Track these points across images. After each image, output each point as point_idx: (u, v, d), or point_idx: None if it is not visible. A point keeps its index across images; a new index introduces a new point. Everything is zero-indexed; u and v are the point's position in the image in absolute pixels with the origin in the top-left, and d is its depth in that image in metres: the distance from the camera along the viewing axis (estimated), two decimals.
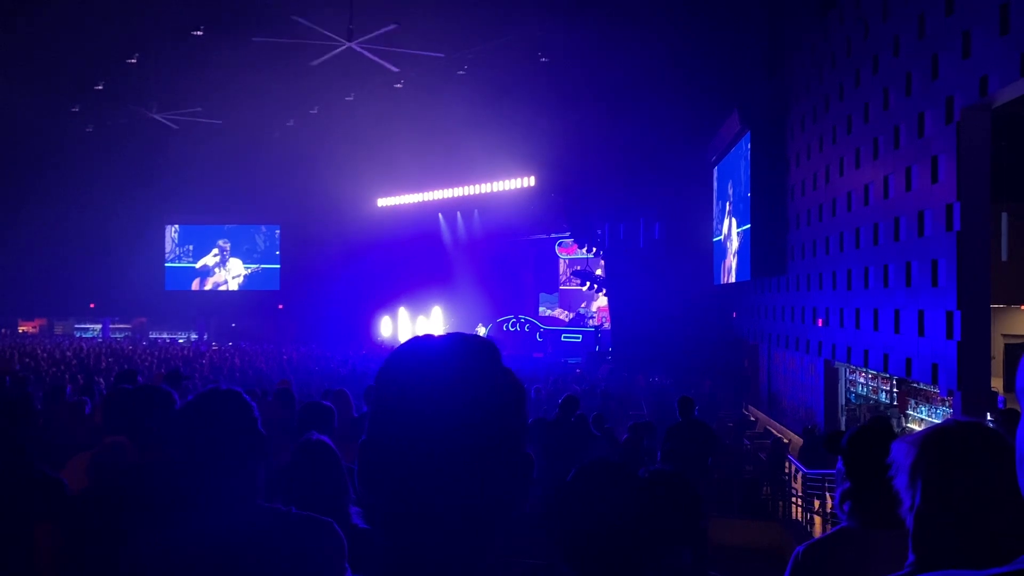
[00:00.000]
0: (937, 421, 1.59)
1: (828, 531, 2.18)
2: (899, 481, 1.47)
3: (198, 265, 38.69)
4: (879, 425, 2.23)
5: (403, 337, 34.60)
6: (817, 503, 9.86)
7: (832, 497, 9.61)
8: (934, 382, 9.84)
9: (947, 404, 10.23)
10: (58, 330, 38.13)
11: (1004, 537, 1.37)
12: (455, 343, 1.02)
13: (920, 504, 1.42)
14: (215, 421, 1.86)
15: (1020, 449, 0.78)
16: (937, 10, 9.76)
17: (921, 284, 10.12)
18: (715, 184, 21.60)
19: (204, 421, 1.86)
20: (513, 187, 30.25)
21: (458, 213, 33.79)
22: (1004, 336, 13.52)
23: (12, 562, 2.91)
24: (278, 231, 38.43)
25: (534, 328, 32.89)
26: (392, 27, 17.58)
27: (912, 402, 12.31)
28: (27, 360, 20.59)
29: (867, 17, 12.27)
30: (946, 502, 1.40)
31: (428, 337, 1.04)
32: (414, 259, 33.86)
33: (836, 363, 14.19)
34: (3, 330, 36.54)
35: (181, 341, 35.40)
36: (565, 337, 32.18)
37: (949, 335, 9.32)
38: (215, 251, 38.66)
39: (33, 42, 22.53)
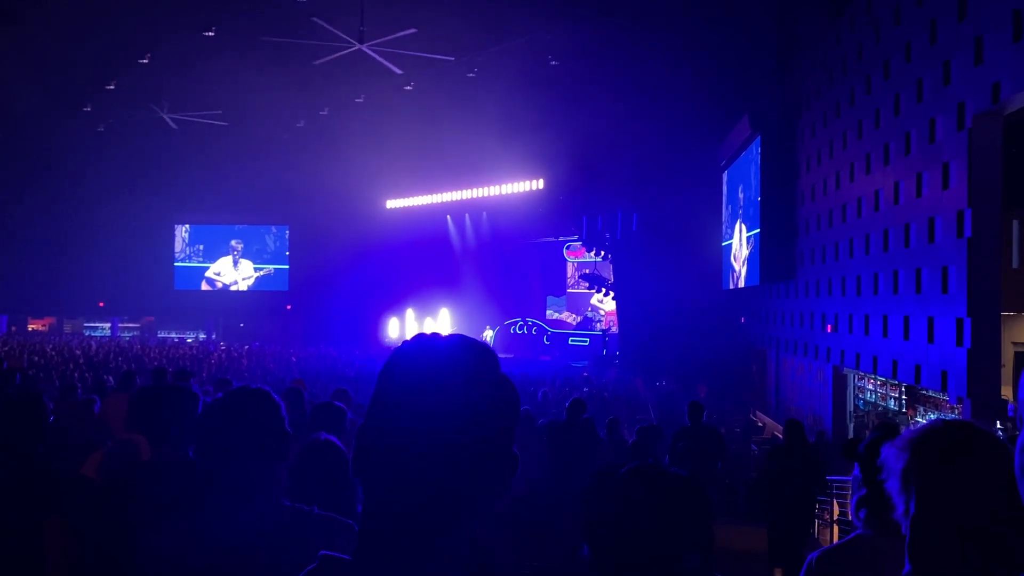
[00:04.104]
0: None
1: (843, 538, 2.16)
2: (891, 485, 1.44)
3: (212, 271, 38.79)
4: (898, 432, 2.20)
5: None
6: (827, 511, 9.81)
7: (838, 504, 9.58)
8: (943, 389, 9.80)
9: (956, 411, 10.18)
10: (67, 328, 38.30)
11: (1003, 541, 1.34)
12: (456, 344, 1.09)
13: (914, 510, 1.39)
14: (244, 418, 1.90)
15: (1019, 459, 0.78)
16: (950, 16, 9.73)
17: (931, 291, 10.09)
18: (725, 189, 21.57)
19: (233, 418, 1.90)
20: (522, 190, 30.27)
21: (466, 215, 33.82)
22: (1014, 344, 13.46)
23: (23, 557, 2.92)
24: (287, 232, 38.55)
25: (541, 331, 32.88)
26: (411, 31, 17.60)
27: (921, 409, 12.26)
28: (36, 358, 20.70)
29: (879, 22, 12.24)
30: (940, 506, 1.37)
31: (432, 335, 1.10)
32: (422, 261, 33.91)
33: (845, 369, 14.14)
34: (13, 328, 36.74)
35: (189, 341, 35.52)
36: (572, 340, 32.16)
37: (959, 342, 9.28)
38: (230, 256, 38.74)
39: (45, 42, 22.67)
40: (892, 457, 1.44)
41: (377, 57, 19.15)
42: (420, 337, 1.10)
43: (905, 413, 12.62)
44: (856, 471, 2.15)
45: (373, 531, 1.03)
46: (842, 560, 2.08)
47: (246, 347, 29.39)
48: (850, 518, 2.32)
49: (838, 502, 9.59)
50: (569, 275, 33.59)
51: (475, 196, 32.38)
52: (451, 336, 1.10)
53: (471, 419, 1.03)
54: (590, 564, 1.52)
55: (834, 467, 8.84)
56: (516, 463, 1.08)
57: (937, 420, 1.48)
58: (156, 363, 20.29)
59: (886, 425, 2.40)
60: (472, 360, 1.07)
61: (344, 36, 18.33)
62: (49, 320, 38.58)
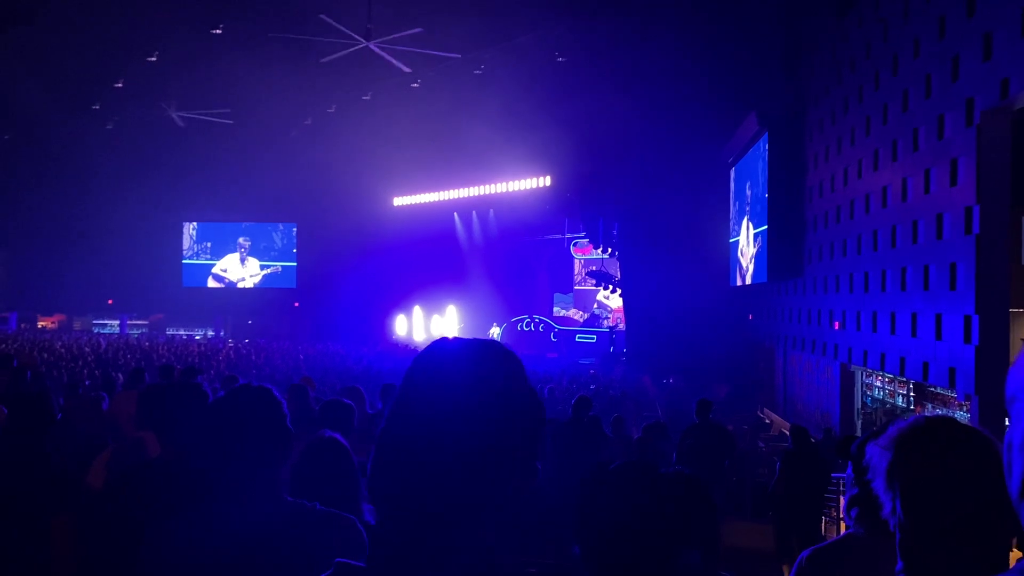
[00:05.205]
0: None
1: (834, 537, 2.17)
2: (877, 485, 1.45)
3: (219, 267, 38.90)
4: None
5: (418, 336, 34.81)
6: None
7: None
8: (951, 386, 9.77)
9: (964, 408, 10.15)
10: (77, 326, 38.46)
11: (989, 539, 1.34)
12: (484, 350, 1.06)
13: (901, 509, 1.39)
14: (245, 416, 1.92)
15: (1007, 456, 0.78)
16: (958, 12, 9.69)
17: (939, 287, 10.05)
18: (732, 185, 21.52)
19: (234, 415, 1.92)
20: (529, 187, 30.25)
21: (473, 213, 33.82)
22: (1023, 340, 13.39)
23: (29, 554, 2.95)
24: (295, 229, 38.64)
25: (548, 328, 32.87)
26: (417, 30, 17.63)
27: (929, 406, 12.21)
28: (45, 355, 20.80)
29: (887, 19, 12.19)
30: (926, 504, 1.37)
31: (457, 340, 1.08)
32: (429, 258, 33.93)
33: (852, 366, 14.10)
34: (23, 325, 36.94)
35: (198, 337, 35.64)
36: (579, 337, 32.14)
37: (967, 339, 9.24)
38: (237, 253, 38.84)
39: (54, 41, 22.75)
40: (876, 456, 1.44)
41: (384, 55, 19.14)
42: (443, 341, 1.08)
43: (913, 410, 12.58)
44: (849, 469, 2.15)
45: (388, 538, 1.02)
46: (833, 559, 2.08)
47: (249, 343, 29.46)
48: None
49: (843, 500, 9.58)
50: (576, 272, 33.57)
51: (482, 193, 32.37)
52: (478, 341, 1.07)
53: (496, 429, 1.01)
54: (583, 563, 1.52)
55: (841, 464, 8.83)
56: (536, 476, 1.06)
57: (919, 417, 1.47)
58: (165, 360, 20.35)
59: (890, 424, 2.39)
60: (501, 369, 1.04)
61: (352, 35, 18.32)
62: (59, 317, 38.76)
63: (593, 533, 1.52)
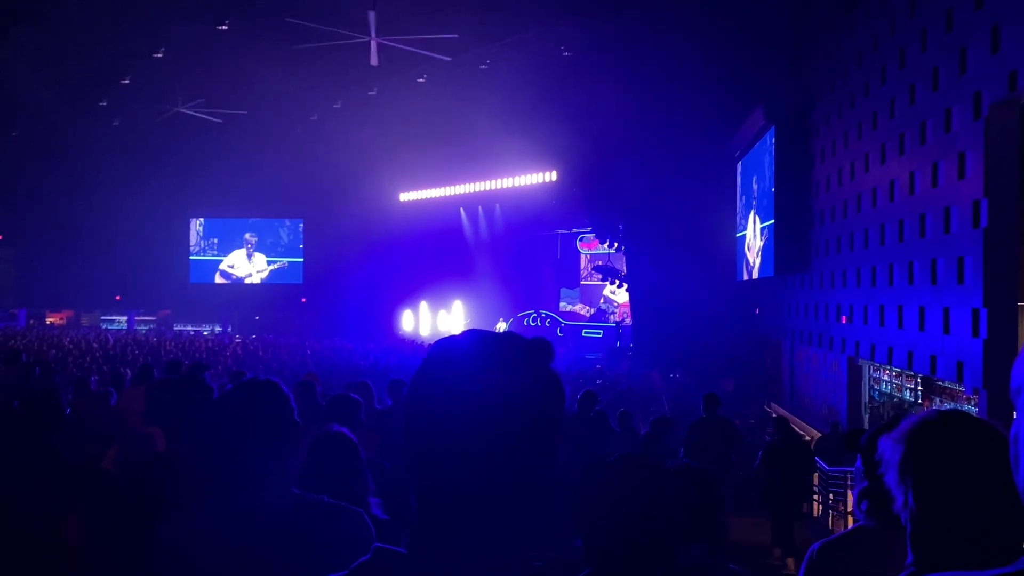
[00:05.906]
0: None
1: (844, 529, 2.17)
2: (889, 478, 1.45)
3: (226, 263, 38.98)
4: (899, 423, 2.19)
5: (424, 331, 34.85)
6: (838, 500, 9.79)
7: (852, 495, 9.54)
8: (959, 380, 9.74)
9: (972, 403, 10.12)
10: (85, 321, 38.62)
11: (1000, 532, 1.34)
12: (507, 344, 1.05)
13: (913, 503, 1.40)
14: (252, 409, 1.94)
15: (1013, 449, 0.78)
16: (966, 4, 9.64)
17: (947, 281, 10.02)
18: (738, 179, 21.46)
19: (241, 409, 1.94)
20: (535, 182, 30.22)
21: (479, 208, 33.81)
22: None
23: (39, 550, 2.96)
24: (301, 225, 38.71)
25: (555, 323, 32.87)
26: (453, 36, 17.69)
27: (937, 400, 12.18)
28: (53, 351, 20.90)
29: (894, 12, 12.14)
30: (938, 497, 1.38)
31: (480, 332, 1.07)
32: (435, 253, 33.94)
33: (860, 360, 14.07)
34: (31, 321, 37.11)
35: (205, 333, 35.75)
36: (586, 332, 32.13)
37: (975, 333, 9.21)
38: (244, 249, 38.92)
39: (60, 38, 22.81)
40: (889, 449, 1.45)
41: (374, 52, 19.09)
42: (467, 334, 1.08)
43: (921, 404, 12.54)
44: (858, 462, 2.15)
45: (429, 525, 1.02)
46: (843, 551, 2.09)
47: (256, 339, 29.53)
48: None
49: (852, 493, 9.55)
50: (582, 267, 33.54)
51: (488, 188, 32.35)
52: (501, 334, 1.07)
53: (509, 425, 1.00)
54: (584, 557, 1.52)
55: (848, 458, 8.82)
56: (556, 471, 1.05)
57: (931, 411, 1.48)
58: (172, 356, 20.42)
59: (899, 417, 2.39)
60: (520, 361, 1.03)
61: (369, 28, 18.26)
62: (67, 313, 38.93)
63: (587, 523, 1.52)
